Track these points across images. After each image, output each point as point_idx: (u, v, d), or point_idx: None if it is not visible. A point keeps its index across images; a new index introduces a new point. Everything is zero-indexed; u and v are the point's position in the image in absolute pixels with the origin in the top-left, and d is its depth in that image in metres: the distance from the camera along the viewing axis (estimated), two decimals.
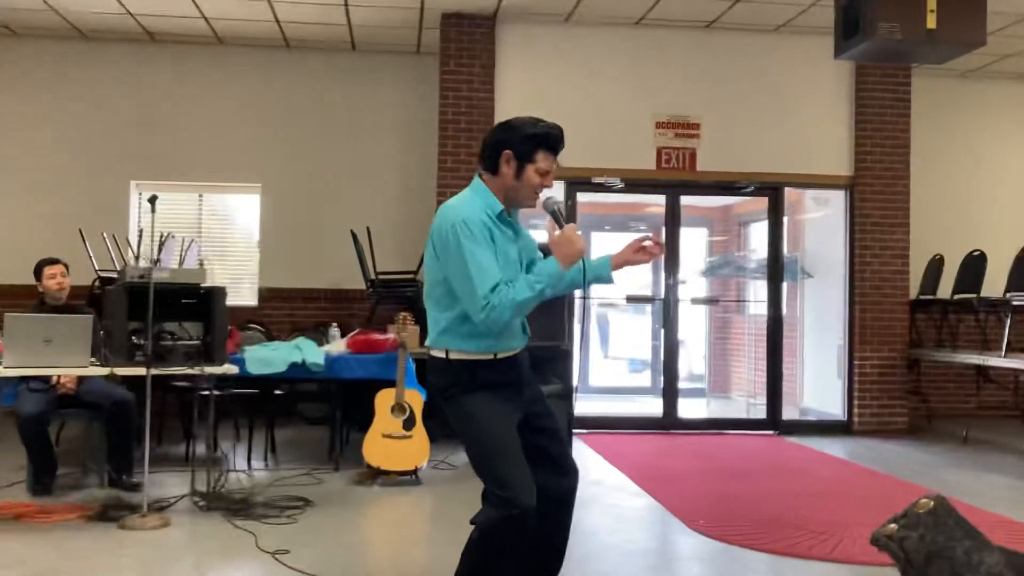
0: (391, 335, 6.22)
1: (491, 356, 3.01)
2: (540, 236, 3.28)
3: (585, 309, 7.43)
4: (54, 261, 5.75)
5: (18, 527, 4.53)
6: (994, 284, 7.91)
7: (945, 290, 8.30)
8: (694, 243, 11.66)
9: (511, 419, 3.04)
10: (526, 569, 3.14)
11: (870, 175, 8.40)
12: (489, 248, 2.92)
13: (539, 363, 6.63)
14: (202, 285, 5.05)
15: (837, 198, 8.68)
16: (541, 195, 3.08)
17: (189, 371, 4.85)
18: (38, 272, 5.71)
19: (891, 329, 8.37)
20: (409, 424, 5.72)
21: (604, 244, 11.61)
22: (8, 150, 8.69)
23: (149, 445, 4.92)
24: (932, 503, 2.82)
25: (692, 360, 11.75)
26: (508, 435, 2.99)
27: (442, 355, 3.04)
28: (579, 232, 2.96)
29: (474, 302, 2.88)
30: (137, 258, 7.55)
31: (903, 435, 8.18)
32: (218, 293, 5.06)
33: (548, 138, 3.01)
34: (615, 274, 3.18)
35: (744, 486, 5.85)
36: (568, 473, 3.19)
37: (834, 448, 7.50)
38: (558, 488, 3.14)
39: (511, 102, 8.04)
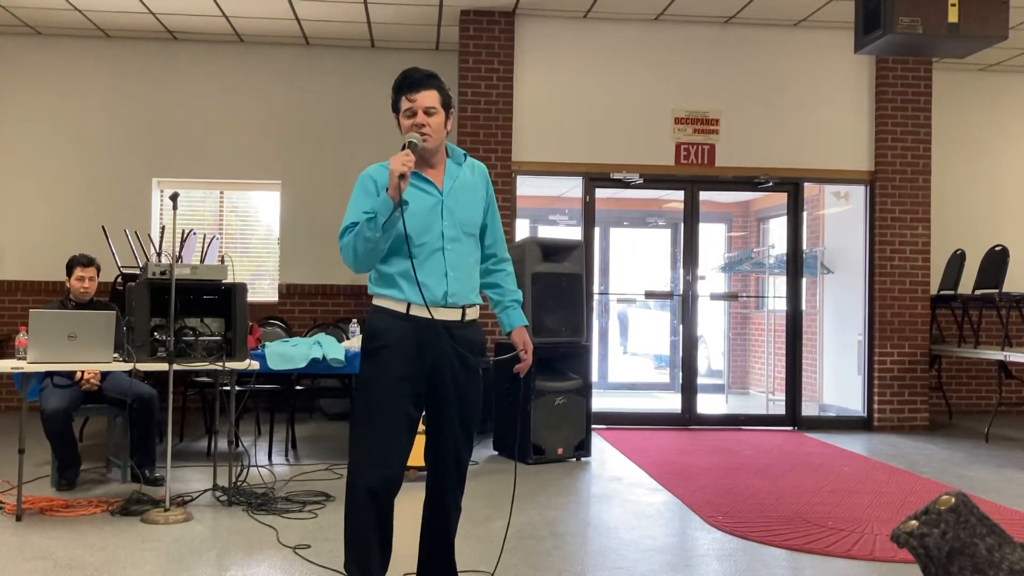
0: None
1: (404, 308, 3.09)
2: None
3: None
4: (88, 264, 5.61)
5: (43, 521, 4.59)
6: (1016, 279, 7.85)
7: (967, 285, 8.24)
8: (713, 239, 11.65)
9: (401, 402, 3.09)
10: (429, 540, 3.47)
11: (891, 170, 8.34)
12: (366, 196, 3.14)
13: (558, 359, 6.69)
14: (223, 281, 5.08)
15: (857, 193, 8.63)
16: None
17: (210, 367, 4.90)
18: (70, 268, 5.63)
19: (912, 325, 8.32)
20: None
21: (623, 239, 11.60)
22: (32, 148, 8.77)
23: (171, 440, 4.98)
24: (953, 500, 2.81)
25: (711, 356, 11.73)
26: (382, 412, 3.08)
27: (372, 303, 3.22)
28: (409, 156, 3.00)
29: None
30: (159, 255, 7.63)
31: (924, 431, 8.14)
32: (239, 289, 5.09)
33: (400, 84, 3.14)
34: None
35: (763, 482, 5.84)
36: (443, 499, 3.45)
37: (854, 444, 7.47)
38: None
39: (530, 98, 8.05)
